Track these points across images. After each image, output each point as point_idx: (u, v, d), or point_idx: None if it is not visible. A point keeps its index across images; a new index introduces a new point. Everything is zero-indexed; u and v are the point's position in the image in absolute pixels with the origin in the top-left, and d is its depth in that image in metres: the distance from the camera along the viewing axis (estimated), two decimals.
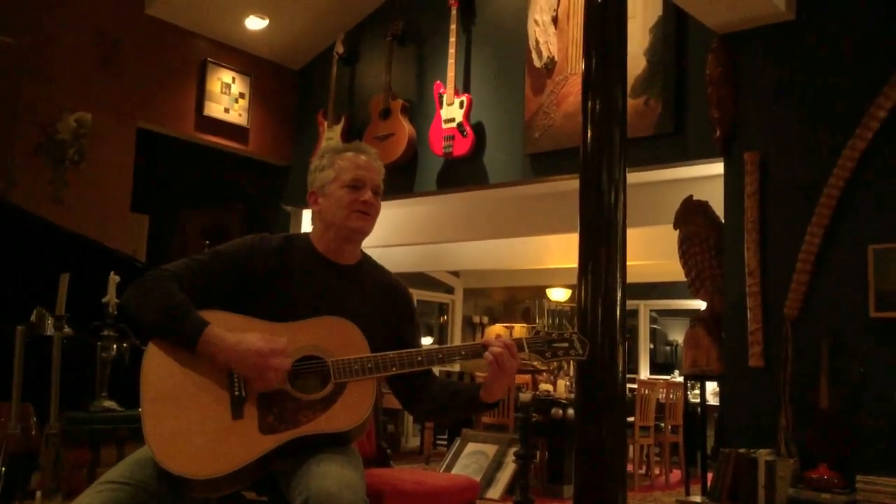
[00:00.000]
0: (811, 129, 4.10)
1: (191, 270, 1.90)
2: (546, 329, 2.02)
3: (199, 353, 1.80)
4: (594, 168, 2.38)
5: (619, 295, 2.31)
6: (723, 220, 4.39)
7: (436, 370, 2.11)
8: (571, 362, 7.70)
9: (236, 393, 1.80)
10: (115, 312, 3.51)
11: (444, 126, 5.68)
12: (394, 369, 1.89)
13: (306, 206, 5.74)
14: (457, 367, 7.83)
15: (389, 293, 2.08)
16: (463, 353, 1.95)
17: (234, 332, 1.81)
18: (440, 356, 1.94)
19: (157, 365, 1.81)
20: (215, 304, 1.88)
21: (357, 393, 1.85)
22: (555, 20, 5.39)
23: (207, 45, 6.33)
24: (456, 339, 10.41)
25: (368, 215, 2.00)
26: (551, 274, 9.43)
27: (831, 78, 4.08)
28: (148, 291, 1.84)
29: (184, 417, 1.76)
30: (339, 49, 6.47)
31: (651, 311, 10.19)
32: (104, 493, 1.71)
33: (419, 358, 1.91)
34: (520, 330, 9.88)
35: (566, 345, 1.96)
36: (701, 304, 4.54)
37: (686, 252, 4.50)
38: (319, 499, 1.66)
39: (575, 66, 5.21)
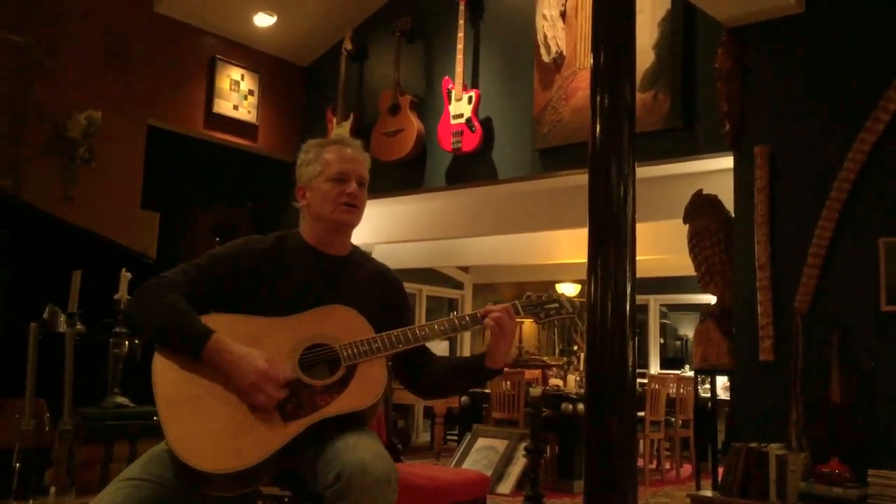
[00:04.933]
0: (821, 123, 4.08)
1: (190, 277, 1.92)
2: (535, 295, 2.13)
3: (203, 360, 1.81)
4: (603, 163, 2.37)
5: (629, 290, 2.31)
6: (732, 215, 4.38)
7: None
8: (581, 357, 7.69)
9: None
10: None
11: (453, 122, 5.68)
12: (400, 346, 1.93)
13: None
14: None
15: (382, 280, 2.13)
16: (464, 322, 2.01)
17: (241, 342, 1.83)
18: (442, 329, 1.99)
19: (167, 370, 1.82)
20: (216, 306, 1.91)
21: (369, 373, 1.89)
22: (563, 15, 5.37)
23: (216, 43, 6.35)
24: (465, 334, 10.41)
25: (355, 207, 2.04)
26: (561, 269, 9.43)
27: (841, 71, 4.05)
28: (150, 302, 1.86)
29: (203, 416, 1.77)
30: (348, 45, 6.47)
31: (661, 305, 10.16)
32: (125, 490, 1.72)
33: (422, 332, 1.97)
34: (529, 324, 9.88)
35: (556, 305, 2.11)
36: (711, 299, 4.53)
37: (696, 246, 4.48)
38: (353, 469, 1.67)
39: (583, 61, 5.20)
